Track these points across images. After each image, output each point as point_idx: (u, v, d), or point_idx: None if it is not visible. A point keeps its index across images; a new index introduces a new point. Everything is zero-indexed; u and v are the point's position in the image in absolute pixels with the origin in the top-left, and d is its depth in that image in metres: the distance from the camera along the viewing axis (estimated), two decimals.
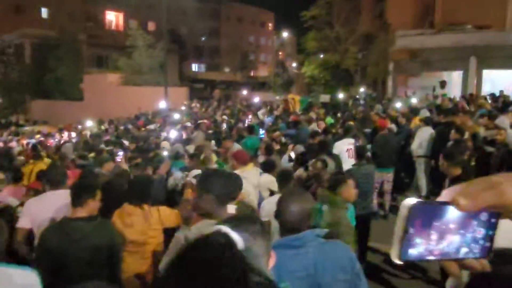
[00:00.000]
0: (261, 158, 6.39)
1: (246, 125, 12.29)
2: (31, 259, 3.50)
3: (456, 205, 0.58)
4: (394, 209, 7.89)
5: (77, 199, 2.94)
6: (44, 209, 3.58)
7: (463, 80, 21.24)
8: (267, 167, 5.30)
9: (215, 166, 5.18)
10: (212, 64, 59.09)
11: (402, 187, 8.92)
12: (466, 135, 7.40)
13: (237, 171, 5.05)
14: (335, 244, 2.10)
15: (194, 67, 57.30)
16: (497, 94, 14.67)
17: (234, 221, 1.56)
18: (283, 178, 4.29)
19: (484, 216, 0.61)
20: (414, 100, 15.49)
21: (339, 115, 12.83)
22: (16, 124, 29.73)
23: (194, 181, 4.86)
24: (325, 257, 1.97)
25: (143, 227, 3.35)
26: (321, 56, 26.51)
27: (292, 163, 6.62)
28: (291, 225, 2.03)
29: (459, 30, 20.92)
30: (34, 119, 31.63)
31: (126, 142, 11.57)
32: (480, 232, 0.62)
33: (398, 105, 14.16)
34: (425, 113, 10.97)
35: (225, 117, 16.56)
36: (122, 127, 17.76)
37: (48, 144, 13.59)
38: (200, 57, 58.26)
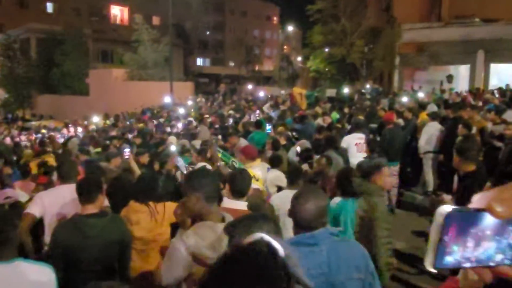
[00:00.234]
0: (268, 154, 6.39)
1: (252, 119, 12.30)
2: (39, 255, 3.53)
3: (492, 213, 0.58)
4: (403, 205, 7.88)
5: (88, 195, 2.95)
6: (56, 202, 3.59)
7: (470, 74, 21.04)
8: (274, 162, 5.30)
9: (221, 162, 5.17)
10: (217, 59, 59.02)
11: (408, 182, 8.89)
12: (474, 130, 7.35)
13: (245, 166, 5.09)
14: (349, 242, 2.09)
15: (199, 61, 57.24)
16: (505, 88, 14.54)
17: (248, 220, 1.57)
18: (293, 174, 4.28)
19: None
20: (421, 95, 15.37)
21: (346, 110, 12.76)
22: (23, 119, 29.93)
23: None
24: (339, 255, 1.96)
25: (149, 224, 3.35)
26: (327, 50, 26.34)
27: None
28: (306, 223, 2.01)
29: (466, 23, 20.69)
30: (40, 113, 31.81)
31: (129, 136, 11.61)
32: None
33: (404, 99, 14.07)
34: (432, 108, 10.90)
35: (231, 111, 16.54)
36: (128, 122, 17.80)
37: (57, 139, 13.64)
38: (205, 52, 58.19)
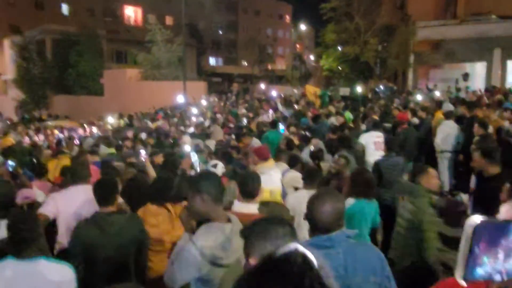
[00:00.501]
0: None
1: (265, 119, 12.29)
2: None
3: None
4: None
5: (105, 197, 2.99)
6: (68, 204, 3.62)
7: (487, 72, 20.70)
8: (292, 162, 5.31)
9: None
10: (230, 58, 59.15)
11: None
12: (490, 129, 7.23)
13: (257, 167, 5.08)
14: (366, 245, 2.08)
15: (212, 61, 57.44)
16: None
17: (264, 223, 1.57)
18: (310, 175, 4.27)
19: None
20: (436, 93, 15.17)
21: (362, 109, 12.65)
22: (39, 119, 30.43)
23: (213, 170, 4.92)
24: (355, 258, 1.95)
25: (168, 226, 3.37)
26: (340, 48, 26.17)
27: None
28: (323, 225, 2.00)
29: (483, 20, 20.36)
30: (56, 114, 32.29)
31: (143, 136, 11.68)
32: None
33: (419, 98, 13.90)
34: (447, 106, 10.75)
35: (244, 111, 16.55)
36: (142, 122, 17.95)
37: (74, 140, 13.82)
38: (218, 51, 58.36)
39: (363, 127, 9.02)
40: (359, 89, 18.91)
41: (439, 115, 9.55)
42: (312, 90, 18.74)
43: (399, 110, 10.67)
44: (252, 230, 1.54)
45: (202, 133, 10.61)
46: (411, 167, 7.73)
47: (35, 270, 2.34)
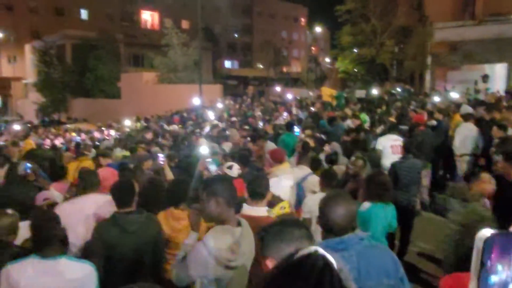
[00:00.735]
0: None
1: (280, 121, 12.29)
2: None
3: None
4: (436, 208, 7.68)
5: (125, 198, 3.05)
6: (76, 215, 3.56)
7: (507, 73, 20.29)
8: (314, 165, 5.32)
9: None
10: (245, 61, 59.33)
11: (440, 185, 8.66)
12: (510, 131, 7.09)
13: (272, 170, 5.10)
14: (379, 247, 2.06)
15: (228, 63, 57.71)
16: None
17: (280, 225, 1.59)
18: (328, 177, 4.26)
19: None
20: (455, 95, 14.89)
21: (379, 110, 12.53)
22: (58, 122, 31.05)
23: (228, 171, 4.95)
24: (369, 261, 1.94)
25: (189, 230, 3.40)
26: (356, 50, 26.02)
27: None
28: (337, 227, 2.00)
29: (502, 21, 19.97)
30: (75, 117, 32.91)
31: (159, 140, 11.80)
32: None
33: (436, 99, 13.70)
34: (465, 108, 10.57)
35: (259, 113, 16.58)
36: (159, 125, 18.13)
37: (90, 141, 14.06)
38: (233, 54, 58.62)
39: (379, 130, 8.93)
40: (375, 91, 18.76)
41: (457, 117, 9.40)
42: (328, 92, 18.70)
43: (416, 112, 10.54)
44: (268, 232, 1.56)
45: (218, 136, 10.65)
46: (429, 169, 7.68)
47: (57, 269, 2.41)
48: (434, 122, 9.21)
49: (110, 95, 33.01)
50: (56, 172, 6.34)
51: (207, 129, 12.90)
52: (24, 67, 43.15)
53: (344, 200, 2.07)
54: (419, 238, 5.88)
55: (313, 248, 0.81)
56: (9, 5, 43.37)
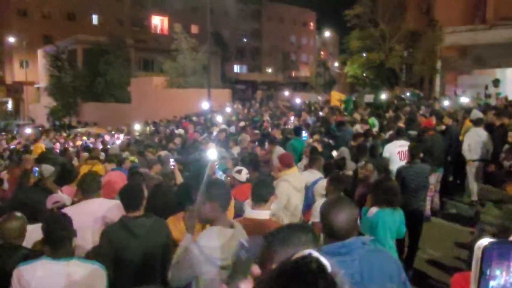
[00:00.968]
0: (305, 161, 6.38)
1: (289, 126, 12.29)
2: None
3: None
4: (446, 214, 7.63)
5: (134, 202, 3.08)
6: (82, 218, 3.44)
7: None
8: (327, 169, 5.34)
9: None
10: (254, 65, 59.46)
11: (450, 190, 8.59)
12: None
13: (280, 174, 5.11)
14: (382, 251, 2.07)
15: (236, 68, 57.89)
16: None
17: (287, 230, 1.60)
18: (336, 181, 4.27)
19: None
20: (465, 99, 14.76)
21: (387, 115, 12.46)
22: (69, 125, 31.41)
23: (236, 175, 4.98)
24: (372, 265, 1.94)
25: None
26: (365, 55, 25.94)
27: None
28: (339, 232, 2.00)
29: None
30: (86, 121, 33.24)
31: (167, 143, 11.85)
32: None
33: (446, 104, 13.61)
34: (476, 113, 10.47)
35: (267, 118, 16.59)
36: (168, 129, 18.24)
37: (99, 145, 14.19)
38: (242, 58, 58.79)
39: (387, 135, 8.88)
40: (383, 95, 18.68)
41: (468, 122, 9.33)
42: (337, 96, 18.65)
43: (425, 117, 10.47)
44: (274, 237, 1.57)
45: (226, 140, 10.67)
46: (439, 173, 7.62)
47: (67, 270, 2.45)
48: (442, 127, 9.15)
49: (120, 100, 33.29)
50: (66, 176, 6.43)
51: (215, 133, 12.94)
52: (37, 71, 43.75)
53: (345, 204, 2.09)
54: (428, 244, 5.84)
55: (307, 252, 0.82)
56: (22, 10, 44.11)
